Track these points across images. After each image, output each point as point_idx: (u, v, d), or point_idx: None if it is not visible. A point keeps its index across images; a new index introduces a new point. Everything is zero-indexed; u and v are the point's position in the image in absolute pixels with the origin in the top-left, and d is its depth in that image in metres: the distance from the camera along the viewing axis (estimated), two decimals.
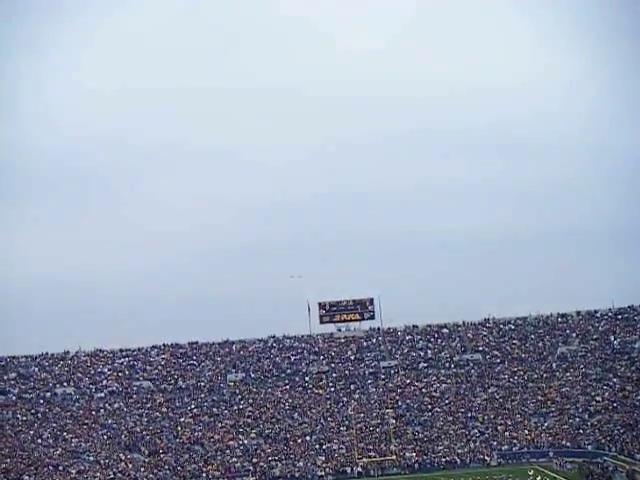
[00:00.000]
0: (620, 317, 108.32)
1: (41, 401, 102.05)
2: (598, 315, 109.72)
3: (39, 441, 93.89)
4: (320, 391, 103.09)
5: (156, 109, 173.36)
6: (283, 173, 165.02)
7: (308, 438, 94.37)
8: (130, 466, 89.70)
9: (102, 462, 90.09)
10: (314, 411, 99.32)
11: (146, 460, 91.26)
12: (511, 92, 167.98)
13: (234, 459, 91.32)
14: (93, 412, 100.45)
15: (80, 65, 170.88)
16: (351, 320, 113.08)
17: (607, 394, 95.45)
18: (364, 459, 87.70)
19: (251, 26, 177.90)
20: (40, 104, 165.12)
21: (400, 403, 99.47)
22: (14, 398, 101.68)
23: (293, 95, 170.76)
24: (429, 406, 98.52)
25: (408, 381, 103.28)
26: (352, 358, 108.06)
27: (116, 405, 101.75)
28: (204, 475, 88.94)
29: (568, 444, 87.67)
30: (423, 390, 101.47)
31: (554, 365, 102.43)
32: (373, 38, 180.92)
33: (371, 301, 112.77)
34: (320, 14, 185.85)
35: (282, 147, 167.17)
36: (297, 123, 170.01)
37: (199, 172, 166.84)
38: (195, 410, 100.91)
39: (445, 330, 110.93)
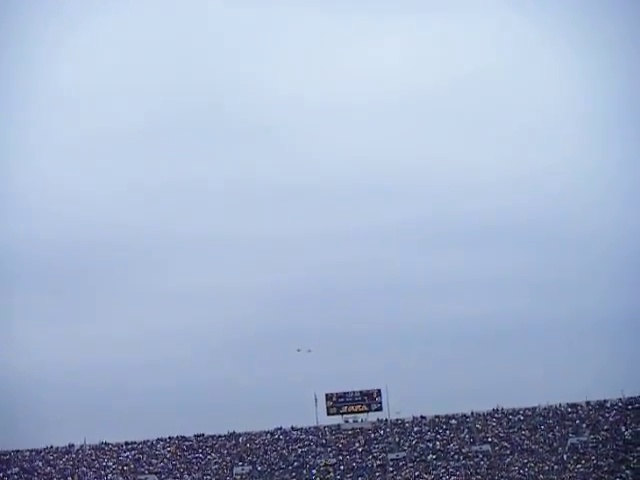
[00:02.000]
0: (630, 407, 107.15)
1: None
2: (608, 405, 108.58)
3: None
4: None
5: (156, 201, 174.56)
6: (287, 263, 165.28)
7: None
8: None
9: None
10: None
11: None
12: (520, 181, 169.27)
13: None
14: None
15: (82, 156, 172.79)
16: (358, 412, 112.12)
17: None
18: None
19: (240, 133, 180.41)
20: (41, 199, 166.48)
21: None
22: None
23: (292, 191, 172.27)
24: None
25: (417, 473, 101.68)
26: (360, 450, 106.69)
27: None
28: None
29: None
30: None
31: (565, 456, 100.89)
32: (364, 126, 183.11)
33: (378, 392, 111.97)
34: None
35: (286, 236, 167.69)
36: (306, 214, 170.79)
37: (199, 262, 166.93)
38: None
39: (453, 421, 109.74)
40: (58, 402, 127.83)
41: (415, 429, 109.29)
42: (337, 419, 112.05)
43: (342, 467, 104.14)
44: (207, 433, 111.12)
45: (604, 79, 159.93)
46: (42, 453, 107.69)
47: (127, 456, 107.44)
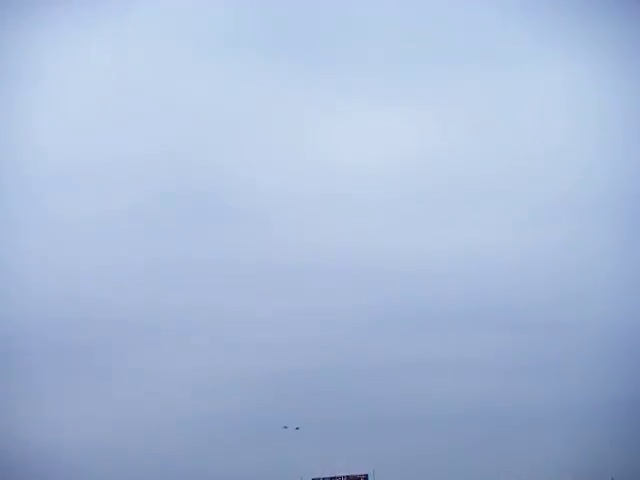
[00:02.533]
0: None
1: None
2: None
3: None
4: None
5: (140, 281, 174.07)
6: (271, 342, 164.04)
7: None
8: None
9: None
10: None
11: None
12: (507, 267, 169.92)
13: None
14: None
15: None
16: None
17: None
18: None
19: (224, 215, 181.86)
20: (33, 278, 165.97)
21: None
22: None
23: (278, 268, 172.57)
24: None
25: None
26: None
27: None
28: None
29: None
30: None
31: None
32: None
33: (365, 477, 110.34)
34: None
35: (268, 314, 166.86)
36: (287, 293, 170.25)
37: (183, 344, 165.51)
38: None
39: None
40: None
41: None
42: None
43: None
44: None
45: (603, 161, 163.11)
46: None
47: None
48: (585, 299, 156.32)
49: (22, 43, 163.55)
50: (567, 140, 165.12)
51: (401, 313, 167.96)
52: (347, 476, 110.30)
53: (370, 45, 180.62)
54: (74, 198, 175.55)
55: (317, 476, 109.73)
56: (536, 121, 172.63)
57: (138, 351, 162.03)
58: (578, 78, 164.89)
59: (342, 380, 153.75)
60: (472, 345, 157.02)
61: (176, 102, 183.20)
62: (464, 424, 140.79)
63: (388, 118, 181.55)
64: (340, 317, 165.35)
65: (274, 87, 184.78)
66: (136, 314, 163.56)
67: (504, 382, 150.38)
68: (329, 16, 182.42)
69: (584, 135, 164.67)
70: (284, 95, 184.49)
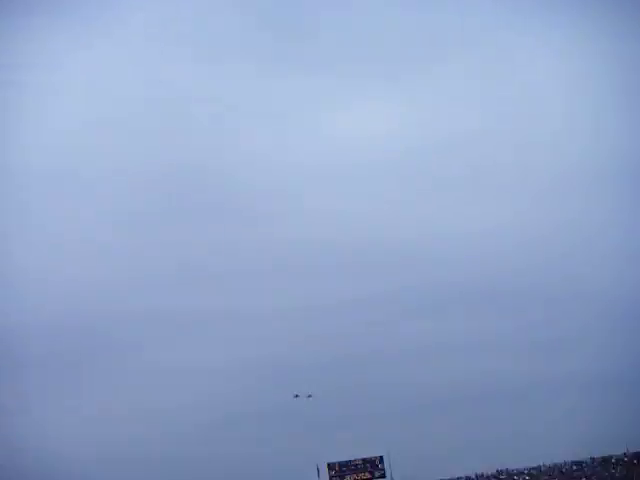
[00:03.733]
0: (636, 462, 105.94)
1: None
2: (613, 461, 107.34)
3: None
4: None
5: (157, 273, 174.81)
6: (275, 335, 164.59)
7: None
8: None
9: None
10: None
11: None
12: (521, 246, 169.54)
13: None
14: None
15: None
16: (362, 479, 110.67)
17: None
18: None
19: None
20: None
21: None
22: None
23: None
24: None
25: None
26: None
27: None
28: None
29: None
30: None
31: None
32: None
33: (381, 459, 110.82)
34: None
35: (281, 301, 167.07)
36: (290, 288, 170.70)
37: (185, 339, 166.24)
38: None
39: None
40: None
41: None
42: None
43: None
44: None
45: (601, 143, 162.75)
46: None
47: None
48: (589, 276, 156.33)
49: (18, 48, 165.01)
50: (565, 121, 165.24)
51: (416, 296, 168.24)
52: (362, 459, 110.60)
53: (370, 30, 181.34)
54: (70, 196, 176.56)
55: (332, 460, 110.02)
56: (535, 103, 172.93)
57: (140, 349, 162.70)
58: (576, 60, 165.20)
59: (354, 364, 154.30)
60: (482, 327, 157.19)
61: (171, 96, 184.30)
62: (479, 404, 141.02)
63: (390, 102, 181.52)
64: (347, 305, 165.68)
65: (269, 71, 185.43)
66: (137, 312, 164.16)
67: (520, 358, 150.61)
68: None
69: (581, 117, 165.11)
70: (279, 80, 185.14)
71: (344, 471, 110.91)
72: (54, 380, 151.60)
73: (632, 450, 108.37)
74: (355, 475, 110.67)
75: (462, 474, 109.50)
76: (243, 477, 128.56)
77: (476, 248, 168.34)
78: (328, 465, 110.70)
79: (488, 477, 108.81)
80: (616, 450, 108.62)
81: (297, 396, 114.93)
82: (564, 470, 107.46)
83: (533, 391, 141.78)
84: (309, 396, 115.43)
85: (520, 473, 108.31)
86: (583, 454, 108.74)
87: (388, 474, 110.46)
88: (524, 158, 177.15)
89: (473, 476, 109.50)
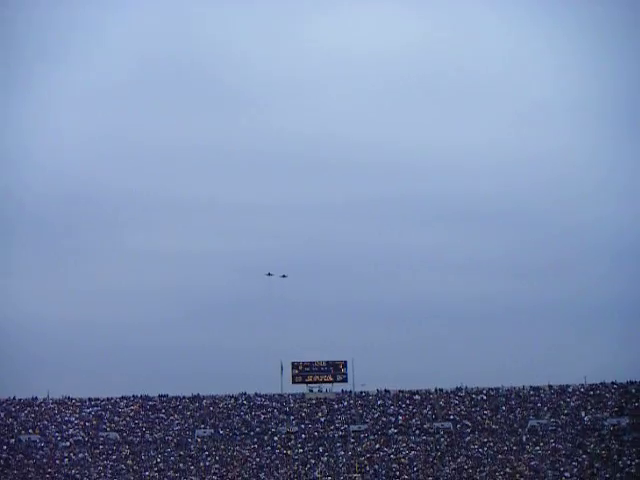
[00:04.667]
0: (592, 393, 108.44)
1: (4, 447, 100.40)
2: (570, 390, 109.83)
3: None
4: (289, 452, 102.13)
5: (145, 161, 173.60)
6: (262, 233, 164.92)
7: None
8: None
9: None
10: (281, 472, 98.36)
11: None
12: (509, 167, 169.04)
13: None
14: (57, 461, 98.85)
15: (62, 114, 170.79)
16: (323, 382, 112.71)
17: (576, 470, 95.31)
18: None
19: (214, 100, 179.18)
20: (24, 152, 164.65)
21: (368, 468, 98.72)
22: None
23: (274, 158, 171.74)
24: (397, 472, 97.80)
25: (377, 446, 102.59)
26: (322, 420, 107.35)
27: (81, 455, 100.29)
28: None
29: None
30: (392, 456, 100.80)
31: (524, 438, 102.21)
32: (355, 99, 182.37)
33: (344, 364, 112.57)
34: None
35: (265, 206, 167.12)
36: (277, 184, 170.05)
37: (173, 226, 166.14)
38: (161, 464, 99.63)
39: (417, 397, 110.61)
40: (24, 353, 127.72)
41: (378, 402, 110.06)
42: (302, 388, 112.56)
43: (304, 436, 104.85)
44: (171, 394, 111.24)
45: (600, 74, 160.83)
46: (4, 404, 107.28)
47: (90, 412, 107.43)
48: (586, 199, 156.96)
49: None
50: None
51: (395, 208, 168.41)
52: (326, 361, 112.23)
53: None
54: (66, 71, 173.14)
55: (297, 360, 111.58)
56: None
57: (124, 230, 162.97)
58: None
59: (329, 269, 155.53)
60: (465, 245, 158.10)
61: None
62: (451, 323, 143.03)
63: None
64: (333, 207, 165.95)
65: None
66: (125, 193, 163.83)
67: (494, 282, 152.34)
68: None
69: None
70: None
71: (307, 371, 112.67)
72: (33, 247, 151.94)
73: (589, 382, 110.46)
74: (317, 377, 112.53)
75: (422, 387, 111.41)
76: (209, 367, 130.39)
77: (466, 162, 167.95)
78: (292, 364, 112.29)
79: (447, 393, 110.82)
80: (574, 380, 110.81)
81: (270, 274, 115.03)
82: (521, 394, 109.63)
83: (506, 315, 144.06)
84: (283, 276, 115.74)
85: (479, 392, 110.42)
86: (542, 381, 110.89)
87: (350, 379, 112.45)
88: (527, 69, 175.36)
89: (432, 390, 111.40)
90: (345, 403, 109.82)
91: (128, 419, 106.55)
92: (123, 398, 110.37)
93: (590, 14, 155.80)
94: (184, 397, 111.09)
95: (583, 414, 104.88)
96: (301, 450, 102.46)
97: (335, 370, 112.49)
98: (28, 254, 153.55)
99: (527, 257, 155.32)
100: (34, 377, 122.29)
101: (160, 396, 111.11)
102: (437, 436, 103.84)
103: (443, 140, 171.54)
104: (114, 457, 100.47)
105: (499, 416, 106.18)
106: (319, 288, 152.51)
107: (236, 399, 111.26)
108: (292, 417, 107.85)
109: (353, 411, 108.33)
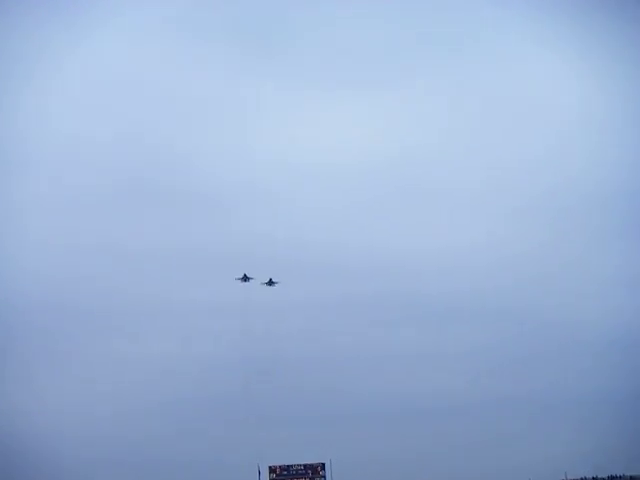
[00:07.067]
0: None
1: None
2: None
3: None
4: None
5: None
6: (230, 331, 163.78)
7: None
8: None
9: None
10: None
11: None
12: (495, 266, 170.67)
13: None
14: None
15: None
16: None
17: None
18: None
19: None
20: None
21: None
22: None
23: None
24: None
25: None
26: None
27: None
28: None
29: None
30: None
31: None
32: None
33: (322, 466, 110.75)
34: None
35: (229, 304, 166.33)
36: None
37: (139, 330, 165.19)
38: None
39: None
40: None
41: None
42: None
43: None
44: None
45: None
46: None
47: None
48: (568, 295, 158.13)
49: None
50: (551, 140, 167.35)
51: (374, 307, 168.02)
52: (304, 464, 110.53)
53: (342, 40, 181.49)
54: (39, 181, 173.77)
55: (274, 463, 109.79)
56: (518, 124, 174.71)
57: (103, 336, 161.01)
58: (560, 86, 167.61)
59: (306, 370, 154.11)
60: (441, 342, 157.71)
61: (138, 90, 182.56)
62: (422, 417, 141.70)
63: (366, 115, 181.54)
64: (309, 310, 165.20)
65: (233, 77, 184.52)
66: (102, 299, 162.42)
67: (470, 380, 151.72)
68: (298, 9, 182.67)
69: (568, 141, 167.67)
70: (243, 86, 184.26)
71: (285, 475, 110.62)
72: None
73: (570, 477, 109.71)
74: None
75: None
76: (183, 471, 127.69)
77: (455, 262, 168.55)
78: (269, 468, 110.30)
79: None
80: (555, 477, 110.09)
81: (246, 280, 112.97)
82: None
83: (478, 409, 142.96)
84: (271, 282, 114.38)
85: None
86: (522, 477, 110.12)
87: None
88: (507, 174, 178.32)
89: None
90: None
91: None
92: None
93: None
94: None
95: None
96: None
97: (313, 473, 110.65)
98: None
99: (496, 352, 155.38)
100: None
101: None
102: None
103: (420, 244, 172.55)
104: None
105: None
106: (295, 386, 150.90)
107: None
108: None
109: None
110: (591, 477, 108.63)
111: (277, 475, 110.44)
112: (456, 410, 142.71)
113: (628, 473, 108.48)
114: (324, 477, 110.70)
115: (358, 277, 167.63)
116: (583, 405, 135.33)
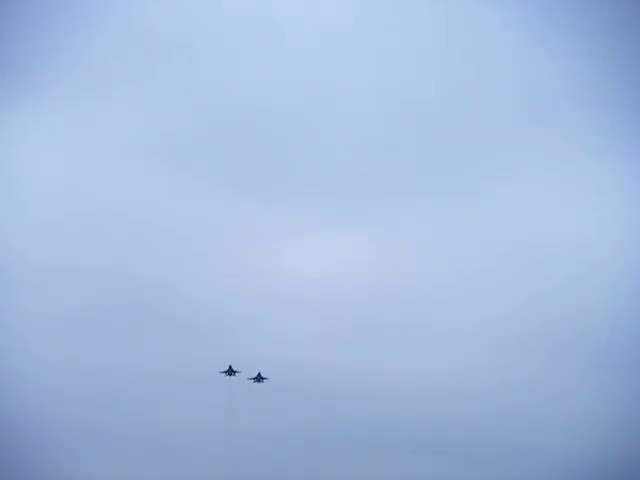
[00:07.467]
0: None
1: None
2: None
3: None
4: None
5: None
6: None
7: None
8: None
9: None
10: None
11: None
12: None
13: None
14: None
15: None
16: None
17: None
18: None
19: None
20: None
21: None
22: None
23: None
24: None
25: None
26: None
27: None
28: None
29: None
30: None
31: None
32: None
33: None
34: None
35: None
36: None
37: None
38: None
39: None
40: None
41: None
42: None
43: None
44: None
45: None
46: None
47: None
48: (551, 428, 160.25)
49: None
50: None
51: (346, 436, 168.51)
52: None
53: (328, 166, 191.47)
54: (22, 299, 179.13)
55: None
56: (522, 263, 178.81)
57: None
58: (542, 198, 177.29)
59: None
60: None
61: (128, 216, 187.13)
62: None
63: (344, 242, 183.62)
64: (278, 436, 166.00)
65: (226, 209, 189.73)
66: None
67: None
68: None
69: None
70: (236, 216, 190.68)
71: None
72: None
73: None
74: None
75: None
76: None
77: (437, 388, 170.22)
78: None
79: None
80: None
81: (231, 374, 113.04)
82: None
83: None
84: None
85: None
86: None
87: None
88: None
89: None
90: None
91: None
92: None
93: None
94: None
95: None
96: None
97: None
98: None
99: None
100: None
101: None
102: None
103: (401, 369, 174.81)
104: None
105: None
106: None
107: None
108: None
109: None
110: None
111: None
112: None
113: None
114: None
115: (318, 401, 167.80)
116: None
